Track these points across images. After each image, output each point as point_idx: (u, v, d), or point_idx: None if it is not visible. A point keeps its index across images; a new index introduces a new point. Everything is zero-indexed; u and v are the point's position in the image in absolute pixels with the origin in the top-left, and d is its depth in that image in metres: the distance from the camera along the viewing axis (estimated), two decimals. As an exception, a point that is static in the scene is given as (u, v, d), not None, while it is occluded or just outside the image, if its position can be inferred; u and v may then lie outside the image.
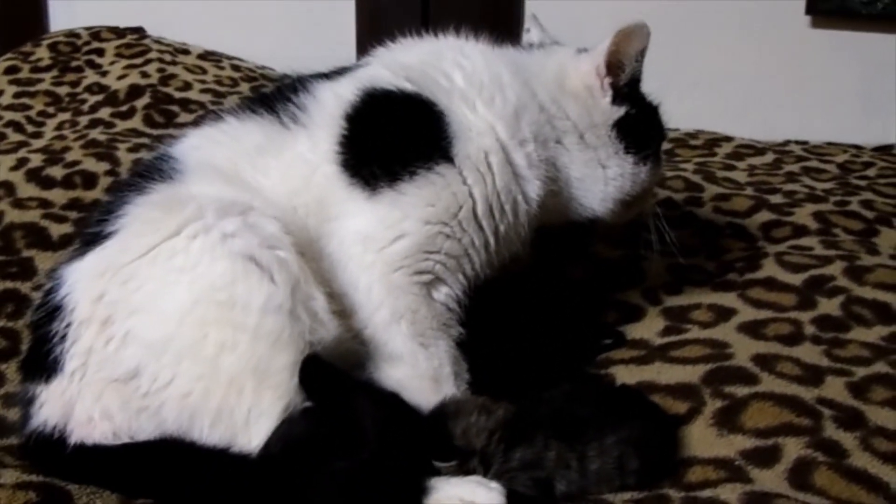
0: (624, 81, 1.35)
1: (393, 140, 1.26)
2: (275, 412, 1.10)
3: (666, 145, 2.28)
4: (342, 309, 1.21)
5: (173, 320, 1.11)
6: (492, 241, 1.28)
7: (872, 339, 1.41)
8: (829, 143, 2.36)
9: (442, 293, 1.25)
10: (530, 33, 1.52)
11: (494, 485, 1.07)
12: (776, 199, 1.91)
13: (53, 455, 1.14)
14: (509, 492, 1.08)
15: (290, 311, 1.11)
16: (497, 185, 1.27)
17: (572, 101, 1.36)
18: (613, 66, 1.34)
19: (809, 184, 2.03)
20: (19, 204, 1.81)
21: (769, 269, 1.62)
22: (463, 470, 1.11)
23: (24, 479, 1.11)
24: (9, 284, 1.59)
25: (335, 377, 1.12)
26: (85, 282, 1.17)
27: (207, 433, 1.10)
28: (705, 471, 1.15)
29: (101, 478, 1.12)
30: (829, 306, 1.49)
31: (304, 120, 1.28)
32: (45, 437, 1.15)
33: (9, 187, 1.86)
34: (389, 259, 1.22)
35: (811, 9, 2.49)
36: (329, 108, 1.28)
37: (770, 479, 1.11)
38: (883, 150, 2.33)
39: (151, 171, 1.27)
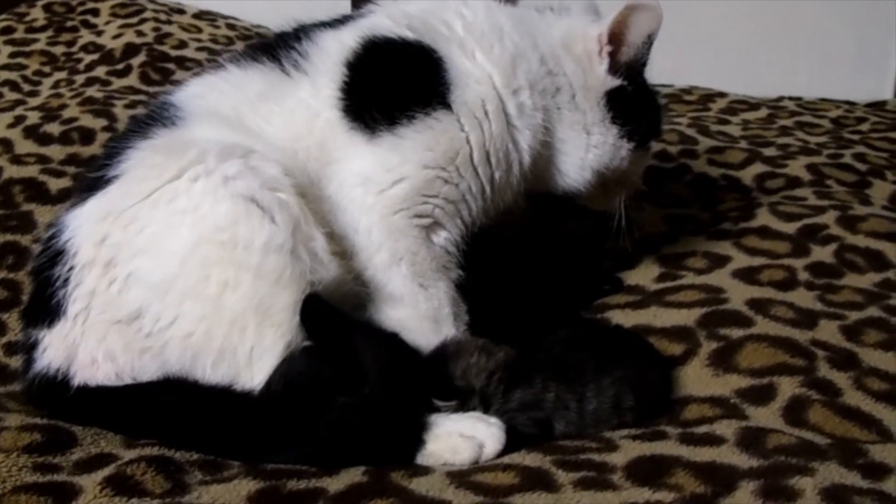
0: (626, 57, 1.35)
1: (392, 85, 1.27)
2: (277, 350, 1.11)
3: (661, 101, 2.32)
4: (343, 250, 1.23)
5: (176, 261, 1.12)
6: (487, 188, 1.29)
7: (865, 285, 1.43)
8: (823, 100, 2.37)
9: (441, 237, 1.27)
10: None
11: (494, 420, 1.10)
12: (770, 151, 1.93)
13: (57, 397, 1.16)
14: (508, 429, 1.10)
15: (292, 250, 1.13)
16: (493, 132, 1.28)
17: (572, 61, 1.36)
18: (616, 37, 1.34)
19: (803, 137, 2.04)
20: (18, 160, 1.81)
21: (763, 218, 1.63)
22: (462, 409, 1.14)
23: (28, 421, 1.13)
24: (9, 237, 1.60)
25: (335, 317, 1.13)
26: (87, 226, 1.18)
27: (210, 372, 1.12)
28: (701, 408, 1.17)
29: (104, 419, 1.14)
30: (823, 253, 1.51)
31: (306, 67, 1.29)
32: (49, 380, 1.16)
33: (7, 144, 1.87)
34: (389, 202, 1.23)
35: (807, -35, 2.50)
36: (331, 54, 1.29)
37: (765, 416, 1.14)
38: (876, 105, 2.35)
39: (154, 117, 1.28)
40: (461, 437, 1.08)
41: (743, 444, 1.05)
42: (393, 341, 1.16)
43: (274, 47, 1.34)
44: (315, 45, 1.31)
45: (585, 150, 1.37)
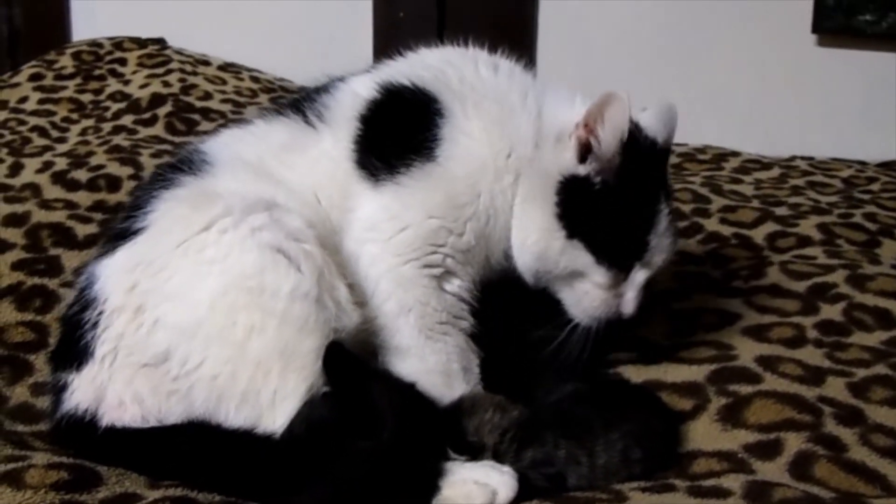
0: (599, 150, 1.26)
1: (394, 134, 1.31)
2: (299, 394, 1.14)
3: (674, 160, 2.36)
4: (359, 299, 1.26)
5: (204, 306, 1.16)
6: (484, 243, 1.32)
7: (873, 343, 1.45)
8: (834, 159, 2.41)
9: (454, 284, 1.30)
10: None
11: (507, 469, 1.12)
12: (781, 211, 1.96)
13: (84, 438, 1.19)
14: (522, 479, 1.12)
15: (317, 298, 1.17)
16: (480, 187, 1.30)
17: (552, 140, 1.32)
18: (589, 126, 1.27)
19: (814, 197, 2.07)
20: (46, 205, 1.86)
21: (773, 276, 1.66)
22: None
23: (55, 459, 1.16)
24: (37, 280, 1.64)
25: (356, 364, 1.17)
26: (117, 276, 1.22)
27: (234, 414, 1.15)
28: (709, 462, 1.19)
29: (129, 460, 1.16)
30: (832, 312, 1.53)
31: (328, 118, 1.35)
32: (77, 421, 1.19)
33: (35, 189, 1.93)
34: (396, 250, 1.27)
35: (817, 27, 2.54)
36: (348, 106, 1.35)
37: (772, 471, 1.16)
38: (887, 165, 2.38)
39: (180, 166, 1.33)
40: (475, 483, 1.10)
41: (749, 497, 1.07)
42: (410, 390, 1.19)
43: (298, 102, 1.40)
44: (334, 96, 1.37)
45: (526, 231, 1.31)
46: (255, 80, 2.65)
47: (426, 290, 1.28)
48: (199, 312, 1.16)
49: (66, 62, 2.65)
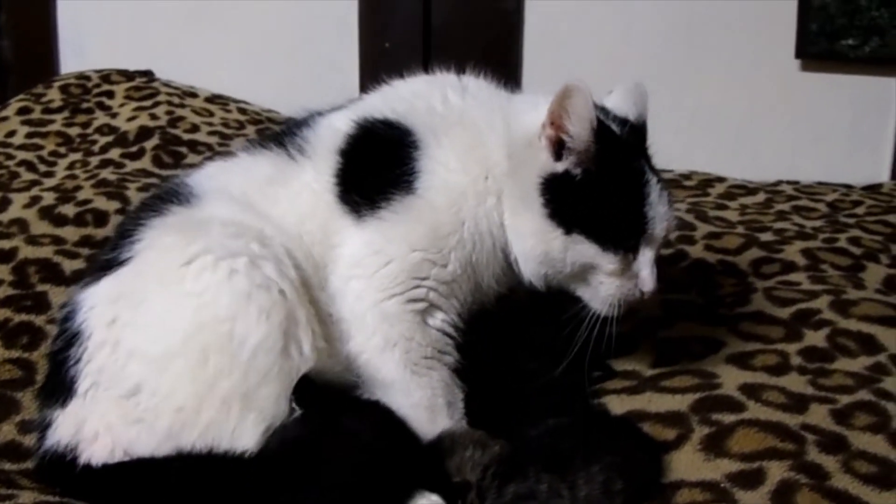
0: (572, 142, 1.27)
1: (373, 168, 1.33)
2: (256, 432, 1.19)
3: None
4: (341, 334, 1.29)
5: (178, 339, 1.19)
6: (471, 270, 1.33)
7: (857, 369, 1.46)
8: (820, 183, 2.42)
9: (438, 319, 1.32)
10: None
11: None
12: (766, 236, 1.97)
13: (65, 474, 1.21)
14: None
15: (282, 349, 1.20)
16: (462, 216, 1.31)
17: (524, 147, 1.32)
18: (556, 122, 1.28)
19: (799, 222, 2.09)
20: (33, 240, 1.86)
21: (758, 303, 1.67)
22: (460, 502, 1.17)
23: (41, 498, 1.18)
24: (24, 317, 1.64)
25: (324, 394, 1.21)
26: (100, 307, 1.25)
27: (195, 444, 1.18)
28: (692, 493, 1.20)
29: (109, 497, 1.18)
30: (816, 338, 1.54)
31: (309, 151, 1.37)
32: (59, 457, 1.22)
33: (22, 224, 1.93)
34: (380, 285, 1.29)
35: (801, 52, 2.57)
36: (327, 139, 1.37)
37: (754, 500, 1.16)
38: (872, 188, 2.40)
39: (167, 196, 1.35)
40: None
41: (731, 528, 1.08)
42: (384, 414, 1.23)
43: (281, 135, 1.42)
44: (315, 130, 1.39)
45: (524, 239, 1.33)
46: (243, 111, 2.65)
47: (410, 325, 1.29)
48: (172, 344, 1.19)
49: (53, 95, 2.64)
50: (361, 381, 1.29)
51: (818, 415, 1.33)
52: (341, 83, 2.72)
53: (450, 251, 1.30)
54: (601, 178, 1.28)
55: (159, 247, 1.26)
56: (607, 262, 1.29)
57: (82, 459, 1.20)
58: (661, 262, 1.87)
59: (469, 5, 2.61)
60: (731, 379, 1.42)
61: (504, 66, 2.59)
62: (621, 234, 1.29)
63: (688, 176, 2.44)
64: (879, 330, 1.55)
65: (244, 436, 1.18)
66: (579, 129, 1.26)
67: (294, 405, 1.19)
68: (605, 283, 1.31)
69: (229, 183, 1.37)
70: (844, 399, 1.37)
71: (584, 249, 1.29)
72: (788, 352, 1.51)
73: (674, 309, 1.70)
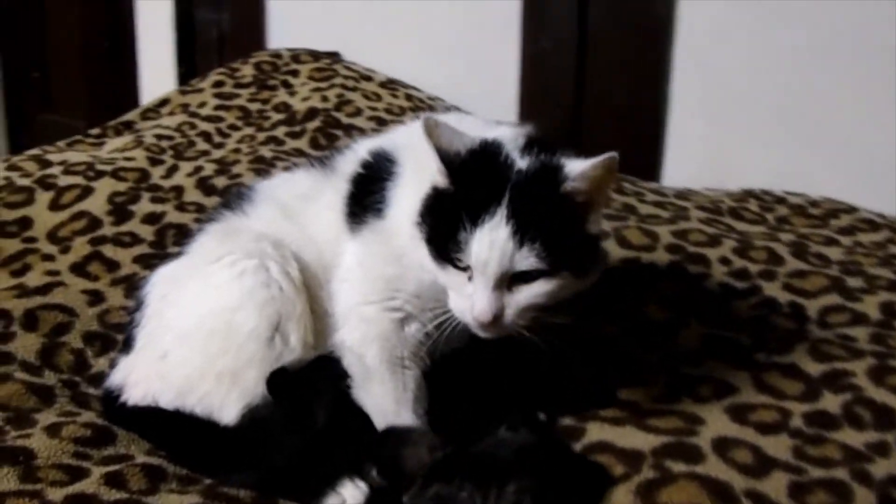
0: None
1: (366, 191, 1.52)
2: (238, 406, 1.45)
3: (784, 211, 2.29)
4: (331, 326, 1.52)
5: (196, 321, 1.50)
6: (433, 284, 1.42)
7: (855, 443, 1.42)
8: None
9: (413, 328, 1.49)
10: None
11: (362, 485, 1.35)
12: (854, 282, 1.87)
13: (112, 407, 1.55)
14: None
15: (267, 340, 1.46)
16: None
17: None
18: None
19: (904, 271, 1.95)
20: (181, 207, 2.18)
21: (798, 354, 1.64)
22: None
23: (91, 420, 1.53)
24: (148, 274, 1.92)
25: (295, 383, 1.46)
26: (159, 285, 1.59)
27: (194, 407, 1.47)
28: (604, 534, 1.26)
29: (135, 428, 1.52)
30: (831, 402, 1.50)
31: (336, 173, 1.59)
32: (111, 393, 1.56)
33: (179, 191, 2.25)
34: (362, 291, 1.49)
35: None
36: (350, 164, 1.58)
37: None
38: None
39: (232, 201, 1.66)
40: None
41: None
42: (344, 399, 1.47)
43: (327, 157, 1.66)
44: (346, 155, 1.61)
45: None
46: (409, 97, 2.80)
47: (387, 328, 1.48)
48: (192, 324, 1.50)
49: (246, 71, 2.92)
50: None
51: (775, 484, 1.32)
52: (500, 77, 2.84)
53: (408, 271, 1.46)
54: (447, 196, 1.36)
55: (204, 247, 1.58)
56: (440, 273, 1.37)
57: (123, 398, 1.53)
58: (730, 297, 1.89)
59: (623, 9, 2.64)
60: (713, 429, 1.44)
61: (654, 69, 2.61)
62: (440, 245, 1.34)
63: (815, 203, 2.32)
64: (906, 405, 1.48)
65: (228, 408, 1.46)
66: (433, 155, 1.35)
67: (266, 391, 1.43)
68: (451, 298, 1.38)
69: (281, 193, 1.63)
70: (816, 473, 1.35)
71: (423, 249, 1.37)
72: (794, 411, 1.48)
73: (713, 346, 1.70)
